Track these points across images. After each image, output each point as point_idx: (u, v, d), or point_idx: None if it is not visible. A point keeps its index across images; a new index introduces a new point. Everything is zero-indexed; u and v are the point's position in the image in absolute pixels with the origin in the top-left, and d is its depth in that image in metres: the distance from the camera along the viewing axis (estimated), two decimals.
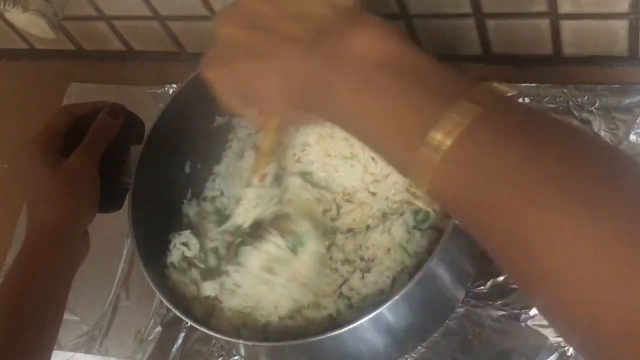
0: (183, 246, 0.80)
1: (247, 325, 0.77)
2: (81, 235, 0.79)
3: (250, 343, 0.76)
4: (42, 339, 0.75)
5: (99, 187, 0.79)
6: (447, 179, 0.45)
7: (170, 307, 0.74)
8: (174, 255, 0.80)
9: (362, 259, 0.76)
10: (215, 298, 0.77)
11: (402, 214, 0.76)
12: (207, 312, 0.79)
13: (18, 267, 0.75)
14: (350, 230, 0.78)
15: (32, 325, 0.73)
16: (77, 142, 0.80)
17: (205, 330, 0.73)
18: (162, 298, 0.75)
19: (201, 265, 0.79)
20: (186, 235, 0.80)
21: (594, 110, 0.86)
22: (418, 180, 0.46)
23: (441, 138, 0.44)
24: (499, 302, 0.81)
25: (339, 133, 0.79)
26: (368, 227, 0.78)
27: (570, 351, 0.76)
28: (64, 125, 0.81)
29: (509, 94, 0.46)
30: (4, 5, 0.80)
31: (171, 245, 0.81)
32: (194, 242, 0.80)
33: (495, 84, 0.46)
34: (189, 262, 0.81)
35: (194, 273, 0.80)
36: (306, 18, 0.52)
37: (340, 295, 0.76)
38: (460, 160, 0.44)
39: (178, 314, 0.74)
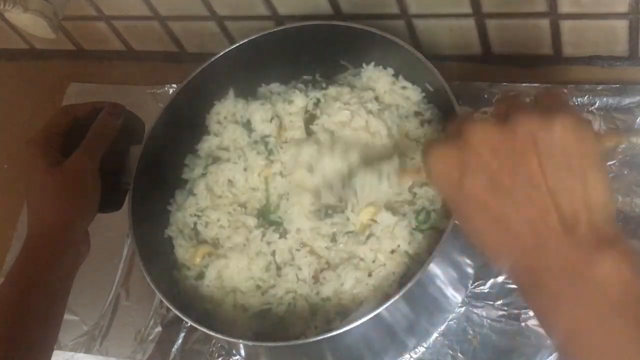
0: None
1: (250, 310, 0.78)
2: (82, 235, 0.79)
3: (250, 343, 0.76)
4: (43, 339, 0.74)
5: (99, 187, 0.79)
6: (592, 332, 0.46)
7: (170, 307, 0.74)
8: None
9: (362, 259, 0.77)
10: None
11: (404, 215, 0.76)
12: (208, 311, 0.79)
13: (19, 268, 0.75)
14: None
15: (33, 325, 0.73)
16: (77, 142, 0.80)
17: (205, 330, 0.74)
18: (162, 298, 0.75)
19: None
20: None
21: (594, 110, 0.86)
22: None
23: None
24: (499, 302, 0.81)
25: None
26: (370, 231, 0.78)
27: None
28: (64, 125, 0.81)
29: None
30: (4, 5, 0.80)
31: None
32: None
33: None
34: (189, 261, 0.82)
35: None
36: (559, 206, 0.49)
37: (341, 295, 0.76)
38: None
39: (178, 313, 0.74)
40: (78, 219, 0.78)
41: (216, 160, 0.85)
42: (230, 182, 0.83)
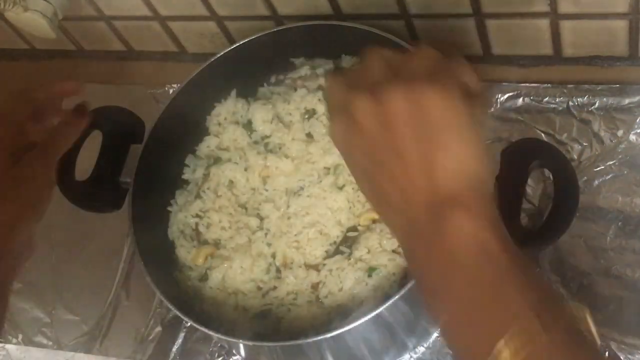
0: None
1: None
2: (24, 238, 0.73)
3: (250, 343, 0.76)
4: None
5: (52, 192, 0.74)
6: None
7: (171, 307, 0.74)
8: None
9: (361, 260, 0.77)
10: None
11: None
12: (208, 312, 0.79)
13: None
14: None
15: None
16: (38, 132, 0.74)
17: (205, 330, 0.74)
18: (162, 298, 0.75)
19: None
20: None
21: (594, 110, 0.86)
22: None
23: (507, 356, 0.47)
24: None
25: None
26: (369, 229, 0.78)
27: None
28: (20, 115, 0.74)
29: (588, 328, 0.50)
30: (4, 5, 0.80)
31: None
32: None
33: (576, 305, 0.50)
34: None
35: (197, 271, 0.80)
36: (420, 173, 0.53)
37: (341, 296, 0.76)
38: None
39: (178, 313, 0.74)
40: (20, 225, 0.72)
41: (217, 161, 0.85)
42: (232, 183, 0.83)
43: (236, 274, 0.79)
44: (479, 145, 0.54)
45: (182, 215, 0.84)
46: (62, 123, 0.76)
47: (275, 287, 0.78)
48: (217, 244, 0.82)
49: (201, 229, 0.83)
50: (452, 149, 0.52)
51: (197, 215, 0.83)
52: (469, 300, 0.50)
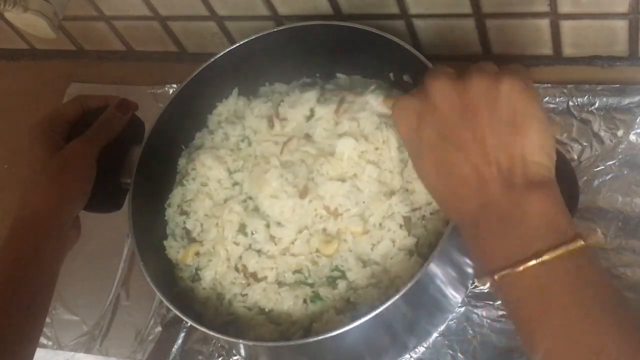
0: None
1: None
2: (71, 220, 0.78)
3: (250, 343, 0.76)
4: (29, 323, 0.74)
5: (93, 176, 0.79)
6: (527, 284, 0.53)
7: (170, 307, 0.74)
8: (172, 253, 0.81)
9: (361, 259, 0.77)
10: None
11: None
12: (210, 312, 0.79)
13: (3, 253, 0.75)
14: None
15: (19, 309, 0.73)
16: (83, 133, 0.80)
17: (205, 330, 0.74)
18: (162, 298, 0.75)
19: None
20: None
21: (594, 110, 0.86)
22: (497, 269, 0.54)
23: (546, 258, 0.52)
24: (499, 302, 0.80)
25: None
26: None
27: None
28: (72, 114, 0.82)
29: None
30: (4, 5, 0.80)
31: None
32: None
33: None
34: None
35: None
36: (499, 157, 0.56)
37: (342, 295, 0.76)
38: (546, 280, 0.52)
39: (178, 313, 0.74)
40: (66, 205, 0.77)
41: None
42: (218, 180, 0.83)
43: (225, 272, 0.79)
44: (551, 135, 0.57)
45: (171, 211, 0.84)
46: (106, 115, 0.82)
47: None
48: (201, 239, 0.82)
49: (189, 225, 0.83)
50: (532, 136, 0.56)
51: (180, 208, 0.84)
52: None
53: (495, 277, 0.54)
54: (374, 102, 0.77)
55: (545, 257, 0.52)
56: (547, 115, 0.58)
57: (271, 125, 0.82)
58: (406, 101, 0.61)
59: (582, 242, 0.53)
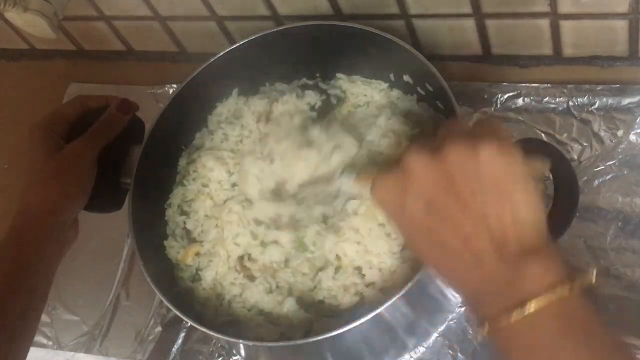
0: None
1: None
2: (69, 221, 0.78)
3: (250, 343, 0.76)
4: (25, 323, 0.74)
5: (93, 176, 0.79)
6: (524, 332, 0.53)
7: (170, 307, 0.74)
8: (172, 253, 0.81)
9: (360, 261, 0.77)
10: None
11: None
12: (207, 310, 0.79)
13: (2, 253, 0.74)
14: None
15: (16, 309, 0.73)
16: (84, 132, 0.80)
17: (205, 330, 0.74)
18: (162, 298, 0.75)
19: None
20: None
21: (594, 110, 0.86)
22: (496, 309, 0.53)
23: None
24: None
25: None
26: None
27: None
28: (72, 114, 0.82)
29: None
30: (4, 5, 0.80)
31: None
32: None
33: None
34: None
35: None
36: (489, 226, 0.54)
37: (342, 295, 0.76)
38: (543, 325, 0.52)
39: (178, 313, 0.74)
40: (66, 205, 0.77)
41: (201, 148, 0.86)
42: (218, 181, 0.84)
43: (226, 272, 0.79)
44: (537, 195, 0.56)
45: (172, 211, 0.84)
46: (107, 115, 0.82)
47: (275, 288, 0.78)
48: (201, 239, 0.82)
49: (189, 226, 0.83)
50: (518, 198, 0.54)
51: (181, 208, 0.84)
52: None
53: (487, 327, 0.54)
54: (346, 186, 0.75)
55: (532, 307, 0.52)
56: (529, 168, 0.56)
57: (259, 120, 0.83)
58: (385, 179, 0.60)
59: (568, 289, 0.52)
